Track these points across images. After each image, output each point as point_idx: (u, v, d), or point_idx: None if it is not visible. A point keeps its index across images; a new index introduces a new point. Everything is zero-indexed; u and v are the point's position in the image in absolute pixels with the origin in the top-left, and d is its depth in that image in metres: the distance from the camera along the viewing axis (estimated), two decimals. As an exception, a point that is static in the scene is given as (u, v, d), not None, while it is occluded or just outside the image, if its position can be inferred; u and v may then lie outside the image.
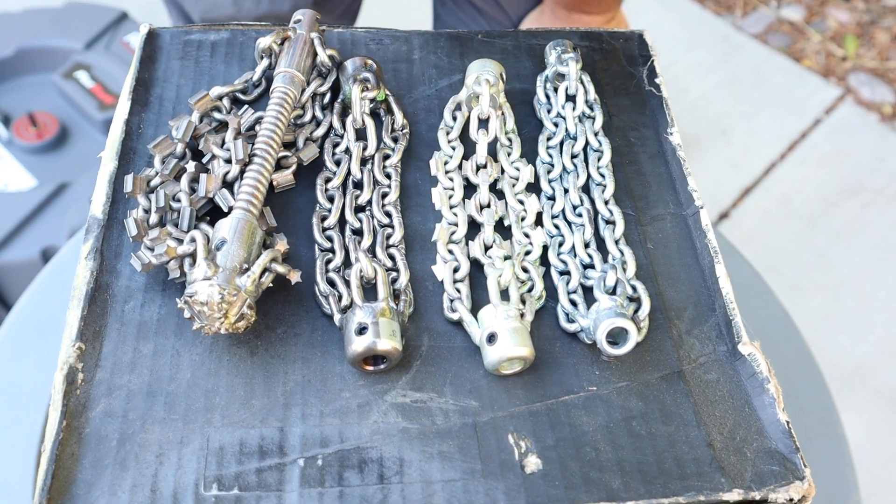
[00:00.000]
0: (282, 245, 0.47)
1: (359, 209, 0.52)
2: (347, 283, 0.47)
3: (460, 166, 0.54)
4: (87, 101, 1.27)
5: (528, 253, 0.50)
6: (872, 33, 2.09)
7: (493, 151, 0.56)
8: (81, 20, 1.35)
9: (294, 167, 0.53)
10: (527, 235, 0.51)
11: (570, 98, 0.58)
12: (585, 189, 0.54)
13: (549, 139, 0.56)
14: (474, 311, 0.47)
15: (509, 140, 0.56)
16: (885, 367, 1.58)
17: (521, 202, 0.53)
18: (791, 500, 0.42)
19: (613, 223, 0.52)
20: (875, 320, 1.64)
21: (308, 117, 0.56)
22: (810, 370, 0.80)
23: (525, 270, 0.49)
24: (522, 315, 0.47)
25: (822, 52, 2.05)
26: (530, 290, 0.49)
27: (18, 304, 0.76)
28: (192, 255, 0.46)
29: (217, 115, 0.54)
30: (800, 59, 2.04)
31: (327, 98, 0.57)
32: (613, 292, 0.48)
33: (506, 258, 0.49)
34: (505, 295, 0.47)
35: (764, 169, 1.82)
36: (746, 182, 1.80)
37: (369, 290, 0.47)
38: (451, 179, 0.53)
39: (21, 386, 0.69)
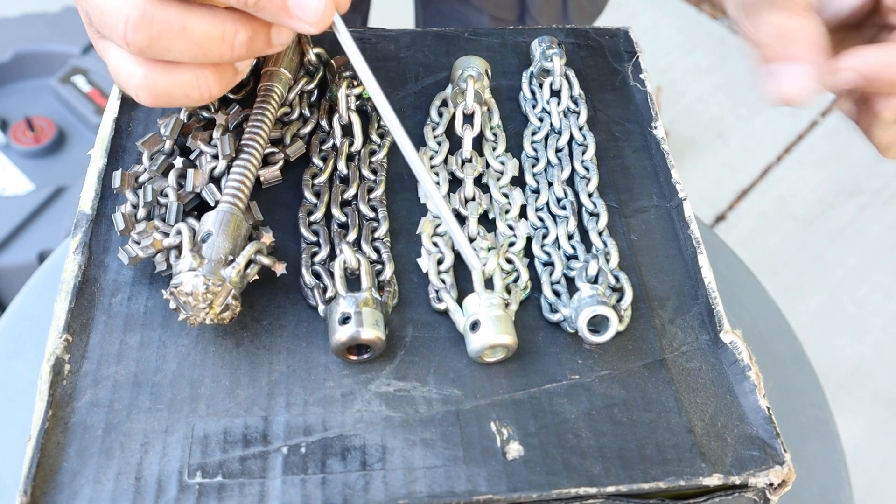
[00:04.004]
0: (267, 238, 0.48)
1: (345, 204, 0.53)
2: (332, 275, 0.48)
3: (446, 161, 0.55)
4: (85, 105, 1.28)
5: (511, 244, 0.51)
6: (868, 36, 2.09)
7: (478, 146, 0.56)
8: (78, 25, 1.36)
9: (281, 163, 0.54)
10: (511, 227, 0.52)
11: (555, 93, 0.58)
12: (570, 182, 0.55)
13: (534, 134, 0.57)
14: (460, 301, 0.48)
15: (494, 135, 0.56)
16: (883, 369, 1.58)
17: (506, 195, 0.53)
18: (771, 484, 0.42)
19: (597, 215, 0.52)
20: (872, 322, 1.64)
21: (295, 115, 0.56)
22: (803, 368, 0.80)
23: (509, 261, 0.50)
24: (507, 304, 0.47)
25: (818, 55, 2.06)
26: (516, 280, 0.49)
27: (13, 303, 0.76)
28: (178, 248, 0.46)
29: (205, 113, 0.54)
30: (796, 61, 2.04)
31: (314, 96, 0.58)
32: (595, 282, 0.48)
33: (489, 249, 0.50)
34: (489, 284, 0.48)
35: (760, 171, 1.83)
36: (743, 184, 1.81)
37: (354, 282, 0.48)
38: (437, 174, 0.54)
39: (15, 384, 0.70)
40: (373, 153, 0.55)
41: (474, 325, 0.45)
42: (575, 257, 0.50)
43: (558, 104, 0.57)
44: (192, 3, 0.42)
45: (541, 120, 0.57)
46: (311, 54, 0.57)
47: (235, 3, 0.42)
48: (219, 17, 0.42)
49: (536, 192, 0.54)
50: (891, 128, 0.49)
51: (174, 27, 0.41)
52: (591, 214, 0.52)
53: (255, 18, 0.43)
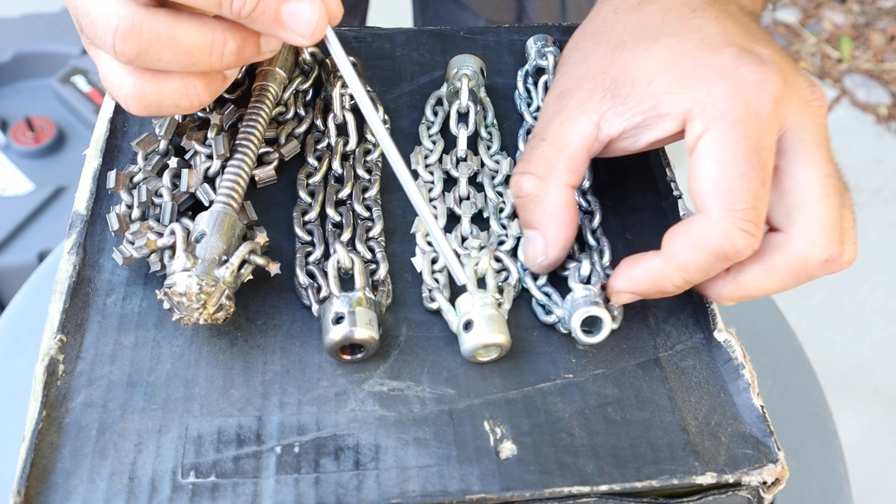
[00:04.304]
0: (261, 237, 0.48)
1: (339, 203, 0.53)
2: (325, 275, 0.48)
3: (440, 160, 0.55)
4: (84, 105, 1.28)
5: (501, 243, 0.51)
6: (868, 35, 2.09)
7: (473, 145, 0.56)
8: (77, 26, 1.36)
9: (276, 163, 0.54)
10: (504, 227, 0.52)
11: (550, 92, 0.58)
12: (564, 181, 0.55)
13: (528, 132, 0.57)
14: (453, 300, 0.48)
15: (489, 134, 0.56)
16: (883, 368, 1.58)
17: (500, 194, 0.53)
18: (765, 482, 0.42)
19: (591, 213, 0.52)
20: (872, 321, 1.64)
21: (290, 114, 0.56)
22: (802, 366, 0.80)
23: (498, 260, 0.50)
24: (500, 304, 0.47)
25: (818, 54, 2.06)
26: (507, 279, 0.49)
27: (12, 303, 0.76)
28: (172, 248, 0.46)
29: (200, 113, 0.54)
30: (796, 61, 2.05)
31: (309, 95, 0.58)
32: (589, 281, 0.48)
33: (481, 248, 0.50)
34: (482, 283, 0.48)
35: (760, 170, 1.83)
36: (743, 183, 1.80)
37: (348, 282, 0.48)
38: (432, 173, 0.54)
39: (14, 384, 0.70)
40: (367, 152, 0.55)
41: (467, 325, 0.45)
42: (570, 256, 0.50)
43: (553, 103, 0.57)
44: (181, 13, 0.42)
45: (536, 118, 0.57)
46: (306, 53, 0.57)
47: (227, 14, 0.41)
48: (208, 26, 0.42)
49: (531, 191, 0.54)
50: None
51: (163, 37, 0.41)
52: (585, 213, 0.52)
53: (244, 27, 0.43)
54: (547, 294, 0.48)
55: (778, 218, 0.45)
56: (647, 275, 0.46)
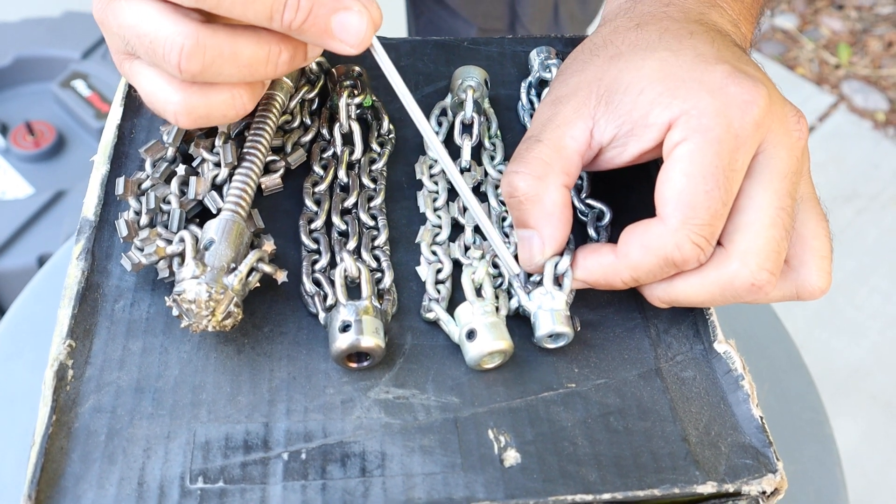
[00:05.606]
0: (269, 245, 0.48)
1: (345, 212, 0.53)
2: (332, 283, 0.48)
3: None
4: (84, 109, 1.28)
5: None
6: (865, 41, 2.10)
7: (477, 155, 0.57)
8: (79, 30, 1.36)
9: (282, 171, 0.54)
10: (507, 235, 0.52)
11: (553, 103, 0.59)
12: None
13: (531, 143, 0.57)
14: (452, 310, 0.48)
15: (493, 144, 0.57)
16: (880, 372, 1.59)
17: (503, 203, 0.54)
18: (764, 492, 0.43)
19: (601, 214, 0.53)
20: (870, 325, 1.65)
21: (296, 123, 0.57)
22: (798, 371, 0.81)
23: (495, 266, 0.50)
24: (497, 309, 0.48)
25: (816, 60, 2.07)
26: (501, 285, 0.50)
27: (13, 307, 0.77)
28: (181, 255, 0.47)
29: (207, 121, 0.55)
30: (793, 67, 2.06)
31: (315, 104, 0.58)
32: (560, 282, 0.48)
33: (482, 257, 0.50)
34: (480, 292, 0.48)
35: (758, 176, 1.83)
36: (740, 189, 1.81)
37: (354, 290, 0.48)
38: (436, 183, 0.55)
39: (15, 387, 0.70)
40: (373, 162, 0.56)
41: (471, 334, 0.46)
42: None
43: (556, 113, 0.58)
44: (237, 28, 0.43)
45: (538, 128, 0.58)
46: (312, 63, 0.58)
47: (277, 27, 0.42)
48: (263, 38, 0.43)
49: (534, 200, 0.54)
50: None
51: (225, 53, 0.42)
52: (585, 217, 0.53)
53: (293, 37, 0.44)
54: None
55: (724, 234, 0.46)
56: (599, 267, 0.47)
